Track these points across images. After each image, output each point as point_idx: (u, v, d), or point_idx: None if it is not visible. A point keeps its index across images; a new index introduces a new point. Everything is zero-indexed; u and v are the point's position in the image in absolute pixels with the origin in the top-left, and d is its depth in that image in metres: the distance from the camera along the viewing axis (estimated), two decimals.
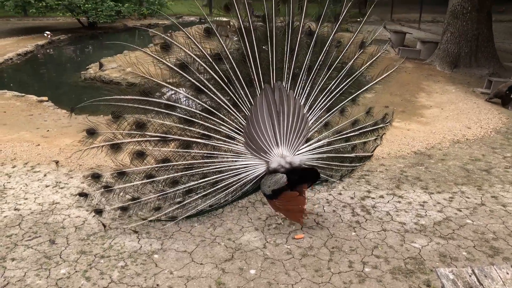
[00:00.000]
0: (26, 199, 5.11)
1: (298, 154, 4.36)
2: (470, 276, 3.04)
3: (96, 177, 4.25)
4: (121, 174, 4.21)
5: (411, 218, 4.82)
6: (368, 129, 4.87)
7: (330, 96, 4.63)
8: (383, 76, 5.02)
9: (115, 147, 4.16)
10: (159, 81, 4.15)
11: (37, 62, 15.14)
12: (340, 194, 5.33)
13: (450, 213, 4.93)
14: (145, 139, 4.20)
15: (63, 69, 14.22)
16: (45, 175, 5.72)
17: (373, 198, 5.26)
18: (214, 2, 27.97)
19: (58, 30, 19.29)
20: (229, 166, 4.32)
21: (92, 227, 4.55)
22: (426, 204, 5.12)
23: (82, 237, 4.39)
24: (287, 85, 4.54)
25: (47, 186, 5.42)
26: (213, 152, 4.34)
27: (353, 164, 4.99)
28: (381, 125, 4.98)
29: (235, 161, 4.34)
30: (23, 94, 9.56)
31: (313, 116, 4.58)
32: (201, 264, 4.00)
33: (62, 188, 5.39)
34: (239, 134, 4.35)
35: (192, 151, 4.32)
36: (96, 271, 3.90)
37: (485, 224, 4.70)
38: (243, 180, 4.34)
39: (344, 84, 4.70)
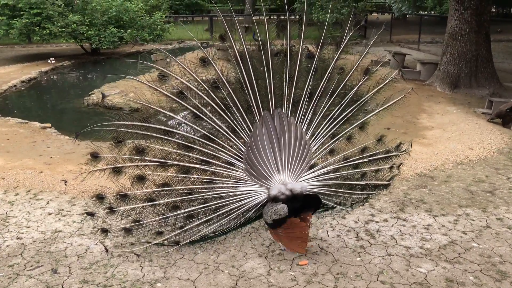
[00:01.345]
0: (29, 227, 5.09)
1: (300, 181, 4.34)
2: None
3: (100, 198, 4.31)
4: (123, 197, 4.25)
5: (416, 242, 4.77)
6: (379, 156, 4.80)
7: (334, 123, 4.61)
8: (389, 104, 5.08)
9: (117, 171, 4.23)
10: (157, 108, 4.22)
11: (40, 89, 15.32)
12: (344, 218, 5.30)
13: (455, 236, 4.88)
14: (145, 163, 4.25)
15: (66, 95, 14.35)
16: (47, 203, 5.72)
17: (377, 222, 5.22)
18: (215, 27, 28.48)
19: (61, 56, 19.59)
20: (229, 192, 4.29)
21: (95, 255, 4.52)
22: (430, 227, 5.07)
23: (85, 265, 4.36)
24: (288, 112, 4.54)
25: (49, 214, 5.41)
26: (212, 178, 4.33)
27: (364, 192, 4.84)
28: (394, 153, 4.91)
29: (236, 187, 4.31)
30: (26, 121, 9.64)
31: (317, 143, 4.54)
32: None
33: (64, 215, 5.37)
34: (239, 160, 4.35)
35: (191, 176, 4.32)
36: None
37: (491, 247, 4.65)
38: (244, 206, 4.30)
39: (348, 111, 4.71)
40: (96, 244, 4.71)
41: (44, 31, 17.66)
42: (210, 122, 4.35)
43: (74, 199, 5.82)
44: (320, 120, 4.59)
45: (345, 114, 4.68)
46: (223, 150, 4.35)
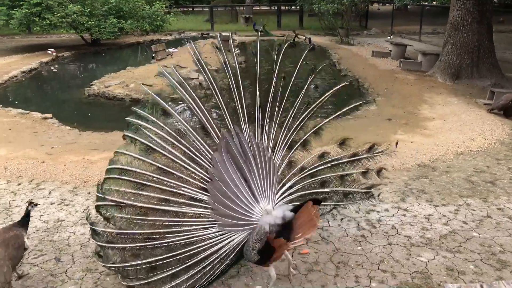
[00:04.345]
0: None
1: (280, 204, 3.75)
2: None
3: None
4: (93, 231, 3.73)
5: (416, 231, 4.80)
6: (344, 160, 4.34)
7: (290, 132, 4.21)
8: (345, 110, 4.73)
9: None
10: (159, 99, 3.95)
11: (41, 79, 15.29)
12: (345, 208, 5.30)
13: (456, 226, 4.91)
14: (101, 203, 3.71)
15: (67, 85, 14.33)
16: (50, 192, 5.74)
17: (378, 211, 5.25)
18: (215, 18, 28.37)
19: (61, 47, 19.50)
20: (200, 236, 3.55)
21: None
22: (431, 217, 5.10)
23: (87, 254, 4.40)
24: (245, 127, 4.07)
25: (52, 204, 5.44)
26: (176, 219, 3.61)
27: (329, 203, 4.37)
28: (364, 156, 4.40)
29: (208, 228, 3.58)
30: (27, 112, 9.64)
31: (277, 156, 4.08)
32: None
33: (67, 205, 5.40)
34: (206, 195, 3.66)
35: (148, 218, 3.62)
36: None
37: (491, 236, 4.67)
38: (221, 251, 3.56)
39: (303, 117, 4.31)
40: None
41: (44, 22, 17.56)
42: (163, 151, 3.79)
43: (76, 189, 5.84)
44: (277, 130, 4.19)
45: (299, 122, 4.28)
46: (185, 184, 3.70)
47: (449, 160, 6.84)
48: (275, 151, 4.08)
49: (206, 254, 3.52)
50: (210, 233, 3.54)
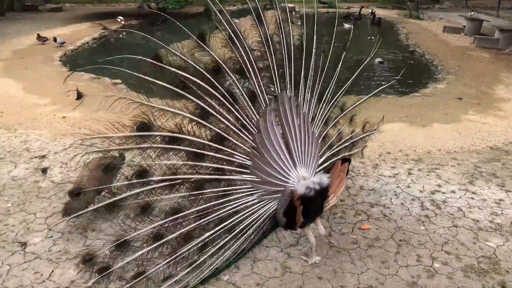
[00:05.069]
0: None
1: (318, 173, 3.78)
2: None
3: (88, 260, 3.28)
4: (120, 246, 3.34)
5: (485, 215, 4.60)
6: (354, 140, 4.64)
7: (328, 107, 4.34)
8: (376, 91, 4.99)
9: (111, 207, 3.41)
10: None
11: (110, 46, 15.88)
12: (409, 187, 5.18)
13: None
14: (150, 187, 3.47)
15: (134, 53, 14.77)
16: None
17: (443, 192, 5.07)
18: None
19: (129, 15, 20.07)
20: (245, 203, 3.64)
21: None
22: (502, 202, 4.86)
23: None
24: (291, 94, 4.13)
25: None
26: (227, 188, 3.65)
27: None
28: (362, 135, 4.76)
29: (251, 194, 3.67)
30: (99, 77, 10.08)
31: (316, 130, 4.15)
32: (266, 247, 4.08)
33: None
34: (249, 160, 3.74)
35: (206, 191, 3.62)
36: None
37: None
38: (261, 218, 3.67)
39: (337, 94, 4.46)
40: None
41: None
42: (220, 117, 3.73)
43: None
44: (316, 103, 4.28)
45: (336, 97, 4.44)
46: (235, 151, 3.73)
47: None
48: (314, 124, 4.15)
49: (248, 221, 3.60)
50: (251, 200, 3.63)
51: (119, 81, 9.75)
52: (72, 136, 6.60)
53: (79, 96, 3.61)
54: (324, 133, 4.25)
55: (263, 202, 3.66)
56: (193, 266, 3.50)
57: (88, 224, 4.39)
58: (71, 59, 12.75)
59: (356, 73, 4.67)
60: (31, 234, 4.27)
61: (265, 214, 3.66)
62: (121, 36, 17.35)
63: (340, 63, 4.58)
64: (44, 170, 4.68)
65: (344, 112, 4.58)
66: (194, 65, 3.73)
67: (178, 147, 3.56)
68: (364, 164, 5.75)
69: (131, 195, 3.40)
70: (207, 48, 3.85)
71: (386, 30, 17.50)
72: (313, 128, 4.10)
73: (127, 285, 3.31)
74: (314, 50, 4.44)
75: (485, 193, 5.05)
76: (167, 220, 3.43)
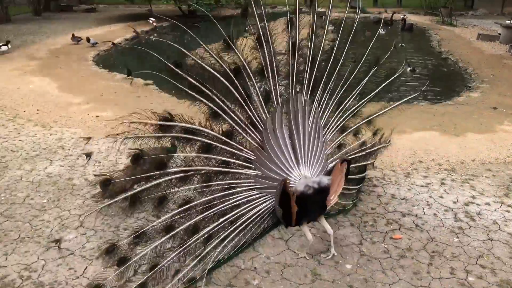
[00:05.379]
0: None
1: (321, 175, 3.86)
2: None
3: (110, 251, 3.40)
4: (138, 237, 3.48)
5: None
6: (369, 150, 4.75)
7: (345, 115, 4.50)
8: (399, 103, 4.95)
9: (131, 201, 3.57)
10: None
11: (142, 47, 16.12)
12: (442, 197, 5.08)
13: None
14: (168, 178, 3.64)
15: (165, 54, 14.99)
16: None
17: (478, 204, 4.95)
18: None
19: (160, 17, 20.38)
20: (248, 197, 3.79)
21: None
22: None
23: None
24: (306, 97, 4.32)
25: None
26: (232, 181, 3.83)
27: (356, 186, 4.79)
28: (380, 146, 4.90)
29: (254, 189, 3.83)
30: (131, 78, 10.27)
31: (329, 136, 4.34)
32: (296, 252, 4.06)
33: None
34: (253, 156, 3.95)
35: (214, 183, 3.80)
36: None
37: None
38: (263, 212, 3.81)
39: (358, 103, 4.61)
40: None
41: None
42: (232, 114, 3.96)
43: None
44: (332, 111, 4.45)
45: (355, 107, 4.58)
46: (243, 146, 3.97)
47: None
48: (328, 130, 4.33)
49: (250, 214, 3.74)
50: (253, 194, 3.80)
51: (151, 82, 9.91)
52: (105, 135, 6.76)
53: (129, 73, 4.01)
54: (338, 139, 4.43)
55: (265, 197, 3.81)
56: (199, 258, 3.58)
57: (120, 223, 4.47)
58: (104, 59, 13.04)
59: (380, 87, 4.76)
60: (66, 230, 4.38)
61: (266, 209, 3.80)
62: (152, 37, 17.64)
63: (368, 76, 4.70)
64: (88, 155, 4.79)
65: (362, 122, 4.71)
66: (211, 70, 3.96)
67: (194, 137, 3.77)
68: (396, 172, 5.68)
69: (152, 185, 3.59)
70: (235, 50, 4.08)
71: (418, 36, 17.24)
72: (326, 133, 4.27)
73: (141, 281, 3.37)
74: (342, 59, 4.60)
75: None
76: (179, 210, 3.59)
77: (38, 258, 3.96)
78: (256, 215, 3.78)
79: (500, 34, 15.24)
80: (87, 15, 21.79)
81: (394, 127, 5.31)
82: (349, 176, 4.03)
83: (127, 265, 3.36)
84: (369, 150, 4.74)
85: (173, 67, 3.93)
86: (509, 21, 16.24)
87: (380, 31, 5.27)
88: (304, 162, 3.92)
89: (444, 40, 15.44)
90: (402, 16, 19.08)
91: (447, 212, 4.78)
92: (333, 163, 4.06)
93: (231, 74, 3.99)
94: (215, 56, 4.01)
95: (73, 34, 14.22)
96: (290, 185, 3.64)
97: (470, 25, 18.73)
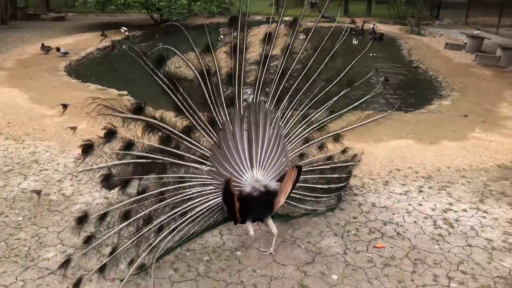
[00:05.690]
0: None
1: (274, 180, 4.04)
2: None
3: (82, 220, 3.56)
4: (102, 218, 3.65)
5: (498, 235, 4.61)
6: (339, 165, 4.94)
7: (309, 128, 4.68)
8: (369, 120, 4.93)
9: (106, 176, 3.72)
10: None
11: (114, 56, 15.92)
12: (420, 205, 5.19)
13: None
14: (133, 161, 3.81)
15: (139, 64, 14.81)
16: None
17: (455, 211, 5.08)
18: (281, 1, 28.15)
19: (132, 26, 20.17)
20: (200, 192, 3.98)
21: None
22: None
23: None
24: (271, 106, 4.50)
25: None
26: (186, 175, 4.03)
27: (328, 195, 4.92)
28: (352, 163, 5.14)
29: (206, 184, 4.02)
30: (105, 88, 10.11)
31: (290, 145, 4.52)
32: (283, 264, 4.07)
33: None
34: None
35: (170, 175, 3.98)
36: (183, 263, 4.07)
37: None
38: (213, 207, 3.99)
39: (325, 118, 4.77)
40: None
41: (119, 1, 18.23)
42: (192, 112, 4.09)
43: None
44: (297, 122, 4.63)
45: (321, 121, 4.75)
46: (200, 143, 4.13)
47: None
48: (290, 139, 4.51)
49: (200, 208, 3.93)
50: (206, 190, 3.99)
51: (125, 92, 9.76)
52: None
53: (65, 106, 4.08)
54: (300, 149, 4.63)
55: (217, 193, 3.97)
56: (151, 247, 3.75)
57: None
58: (76, 69, 12.78)
59: (351, 107, 4.87)
60: (44, 249, 4.24)
61: (217, 204, 3.98)
62: (124, 46, 17.41)
63: (338, 96, 4.81)
64: (38, 192, 4.94)
65: (326, 136, 4.85)
66: (193, 69, 4.18)
67: (161, 124, 3.89)
68: (375, 180, 5.77)
69: (122, 163, 3.76)
70: (213, 55, 4.28)
71: (389, 45, 17.64)
72: (287, 142, 4.46)
73: (105, 260, 3.60)
74: (314, 76, 4.73)
75: (496, 212, 5.06)
76: (136, 198, 3.74)
77: (16, 279, 3.82)
78: (207, 209, 3.98)
79: (466, 43, 15.79)
80: (56, 23, 21.30)
81: (362, 150, 5.50)
82: (317, 186, 4.63)
83: (93, 244, 3.54)
84: (338, 165, 4.92)
85: (153, 66, 4.03)
86: (477, 31, 16.85)
87: (353, 41, 5.44)
88: (259, 166, 4.13)
89: (414, 49, 15.85)
90: (372, 26, 19.47)
91: (426, 219, 4.89)
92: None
93: (199, 76, 4.16)
94: (188, 62, 4.16)
95: (42, 44, 13.87)
96: (238, 185, 3.89)
97: (437, 35, 19.31)
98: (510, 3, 22.59)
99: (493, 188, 5.67)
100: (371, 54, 14.42)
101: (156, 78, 4.00)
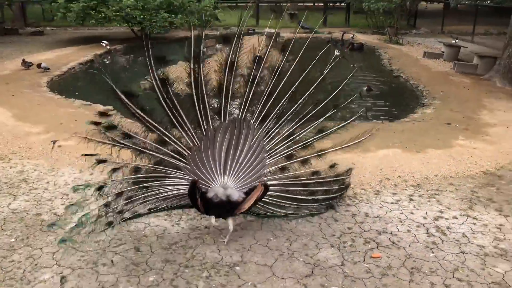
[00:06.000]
0: None
1: (241, 190, 4.43)
2: None
3: (101, 162, 4.62)
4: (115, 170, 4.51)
5: (489, 241, 4.73)
6: (329, 179, 5.16)
7: (294, 146, 4.89)
8: (356, 141, 5.19)
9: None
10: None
11: (97, 72, 15.77)
12: (412, 213, 5.29)
13: None
14: (134, 147, 4.51)
15: (121, 79, 14.74)
16: None
17: (446, 218, 5.19)
18: (261, 13, 28.43)
19: (113, 40, 20.05)
20: (171, 180, 4.50)
21: (173, 237, 4.74)
22: (503, 227, 5.00)
23: (165, 246, 4.57)
24: (255, 123, 4.78)
25: None
26: (162, 168, 4.53)
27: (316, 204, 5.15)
28: (343, 177, 5.34)
29: (180, 178, 4.50)
30: (90, 103, 10.00)
31: (272, 159, 4.77)
32: (282, 278, 4.09)
33: None
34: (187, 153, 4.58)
35: (151, 165, 4.54)
36: (183, 280, 4.05)
37: None
38: (181, 195, 4.50)
39: (311, 138, 4.98)
40: (172, 225, 4.93)
41: (99, 15, 18.11)
42: (180, 111, 4.55)
43: None
44: (282, 140, 4.84)
45: (306, 140, 4.96)
46: (180, 141, 4.57)
47: None
48: (272, 154, 4.77)
49: (171, 193, 4.50)
50: (180, 182, 4.46)
51: (111, 107, 9.67)
52: (70, 166, 6.53)
53: (54, 143, 4.75)
54: (281, 165, 4.87)
55: (186, 185, 4.36)
56: (127, 201, 4.39)
57: (98, 259, 4.32)
58: (58, 84, 12.63)
59: (336, 127, 5.11)
60: (40, 270, 4.18)
61: (185, 193, 4.40)
62: (106, 60, 17.30)
63: (324, 118, 5.02)
64: (54, 142, 5.22)
65: (312, 155, 5.03)
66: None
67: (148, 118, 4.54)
68: (366, 190, 5.86)
69: (125, 145, 4.48)
70: (201, 69, 4.64)
71: (369, 55, 17.96)
72: (268, 156, 4.72)
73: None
74: (300, 100, 4.89)
75: (486, 218, 5.20)
76: (131, 177, 4.43)
77: None
78: (176, 195, 4.51)
79: (443, 52, 16.19)
80: (35, 38, 21.00)
81: (352, 167, 5.67)
82: (298, 196, 4.92)
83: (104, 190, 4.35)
84: (326, 180, 5.11)
85: (123, 97, 4.67)
86: (455, 41, 17.29)
87: (336, 52, 5.59)
88: (231, 173, 4.47)
89: (393, 59, 16.18)
90: (351, 36, 19.79)
91: (419, 228, 4.99)
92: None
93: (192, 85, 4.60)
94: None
95: (23, 59, 13.68)
96: (205, 186, 4.37)
97: (415, 43, 19.76)
98: (481, 13, 23.31)
99: (480, 194, 5.82)
100: (352, 65, 14.66)
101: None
